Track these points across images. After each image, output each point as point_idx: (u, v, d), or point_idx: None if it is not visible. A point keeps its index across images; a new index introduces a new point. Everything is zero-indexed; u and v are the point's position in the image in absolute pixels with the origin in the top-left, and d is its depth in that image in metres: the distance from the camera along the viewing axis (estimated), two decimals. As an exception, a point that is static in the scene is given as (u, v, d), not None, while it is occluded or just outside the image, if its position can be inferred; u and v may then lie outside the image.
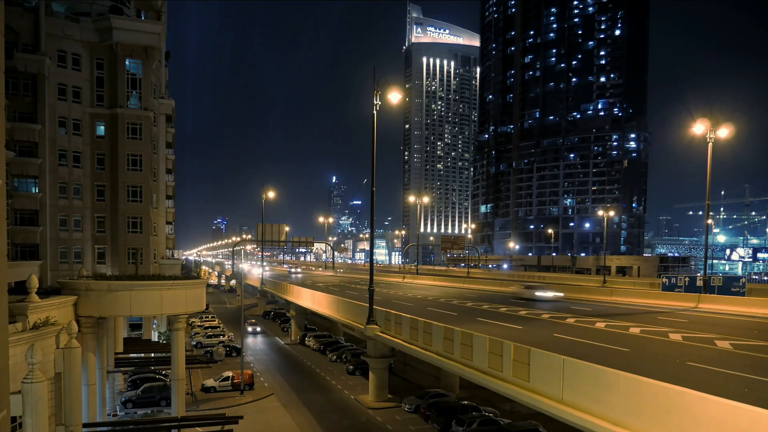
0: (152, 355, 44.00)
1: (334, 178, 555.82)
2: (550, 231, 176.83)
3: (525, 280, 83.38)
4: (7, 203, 23.12)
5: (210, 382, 43.99)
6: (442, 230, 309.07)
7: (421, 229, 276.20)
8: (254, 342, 69.56)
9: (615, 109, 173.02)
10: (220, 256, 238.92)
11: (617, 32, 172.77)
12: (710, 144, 40.58)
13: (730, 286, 44.59)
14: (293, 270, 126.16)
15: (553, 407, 17.53)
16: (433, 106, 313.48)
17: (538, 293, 48.23)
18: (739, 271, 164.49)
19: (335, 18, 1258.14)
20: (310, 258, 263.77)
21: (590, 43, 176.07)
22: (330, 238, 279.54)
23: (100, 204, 44.87)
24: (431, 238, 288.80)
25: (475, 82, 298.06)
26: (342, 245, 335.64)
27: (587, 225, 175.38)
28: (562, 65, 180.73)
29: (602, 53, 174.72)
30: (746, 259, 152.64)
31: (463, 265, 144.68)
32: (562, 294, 49.04)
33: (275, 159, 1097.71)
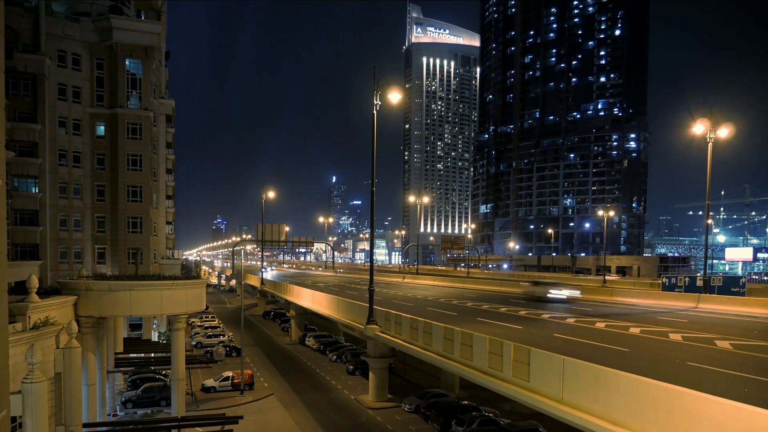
0: (152, 355, 43.97)
1: (334, 178, 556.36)
2: (550, 231, 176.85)
3: (526, 279, 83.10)
4: (7, 203, 23.11)
5: (210, 382, 43.98)
6: (442, 230, 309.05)
7: (421, 229, 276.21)
8: (254, 341, 69.54)
9: (615, 109, 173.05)
10: (220, 256, 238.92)
11: (617, 32, 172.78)
12: (710, 144, 40.61)
13: (730, 286, 44.56)
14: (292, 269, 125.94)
15: (553, 407, 17.52)
16: (433, 106, 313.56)
17: (553, 292, 43.09)
18: (739, 271, 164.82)
19: (335, 18, 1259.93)
20: (310, 258, 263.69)
21: (590, 43, 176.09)
22: (330, 238, 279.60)
23: (100, 204, 44.85)
24: (431, 238, 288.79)
25: (475, 82, 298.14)
26: (342, 245, 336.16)
27: (587, 225, 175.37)
28: (562, 65, 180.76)
29: (602, 53, 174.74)
30: (744, 259, 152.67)
31: (463, 265, 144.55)
32: (579, 293, 44.13)
33: (275, 159, 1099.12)
